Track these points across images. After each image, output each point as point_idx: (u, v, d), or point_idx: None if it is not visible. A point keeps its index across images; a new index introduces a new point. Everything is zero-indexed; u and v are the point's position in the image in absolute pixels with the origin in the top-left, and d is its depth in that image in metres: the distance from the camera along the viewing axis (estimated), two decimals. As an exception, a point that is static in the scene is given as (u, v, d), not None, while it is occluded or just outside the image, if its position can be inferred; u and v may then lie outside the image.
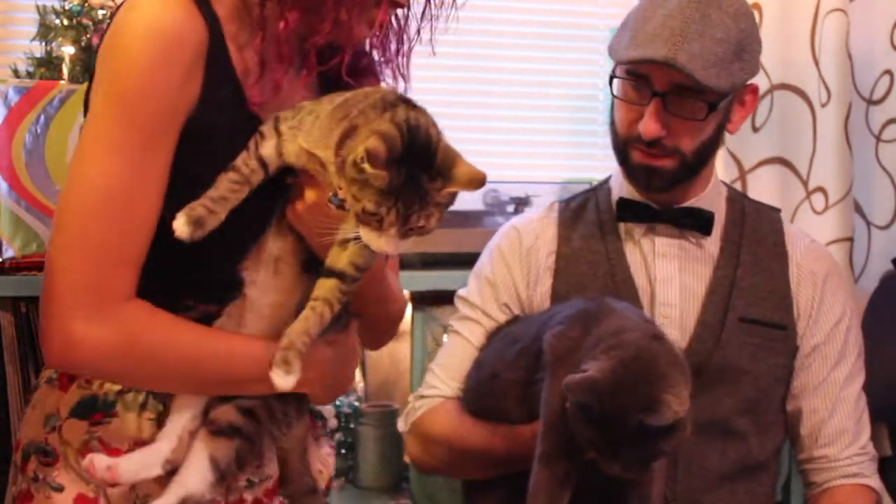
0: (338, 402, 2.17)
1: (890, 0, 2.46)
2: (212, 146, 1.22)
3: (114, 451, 1.26)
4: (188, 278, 1.24)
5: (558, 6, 2.71)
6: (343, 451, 2.17)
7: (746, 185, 2.45)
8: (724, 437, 1.67)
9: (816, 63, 2.40)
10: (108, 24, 1.24)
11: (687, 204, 1.71)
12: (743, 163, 2.47)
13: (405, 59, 1.37)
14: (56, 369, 1.30)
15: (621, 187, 1.74)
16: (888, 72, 2.47)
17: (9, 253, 1.88)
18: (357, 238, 1.15)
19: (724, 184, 1.82)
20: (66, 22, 2.04)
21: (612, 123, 1.70)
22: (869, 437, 1.74)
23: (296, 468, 1.36)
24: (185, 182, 1.21)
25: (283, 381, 1.18)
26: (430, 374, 1.77)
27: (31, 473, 1.29)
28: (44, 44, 2.07)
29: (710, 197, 1.73)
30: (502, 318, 1.75)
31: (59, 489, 1.27)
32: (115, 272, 1.19)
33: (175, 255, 1.19)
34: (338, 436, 2.17)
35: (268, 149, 1.21)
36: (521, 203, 2.27)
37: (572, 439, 1.32)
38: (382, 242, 1.14)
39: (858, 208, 2.50)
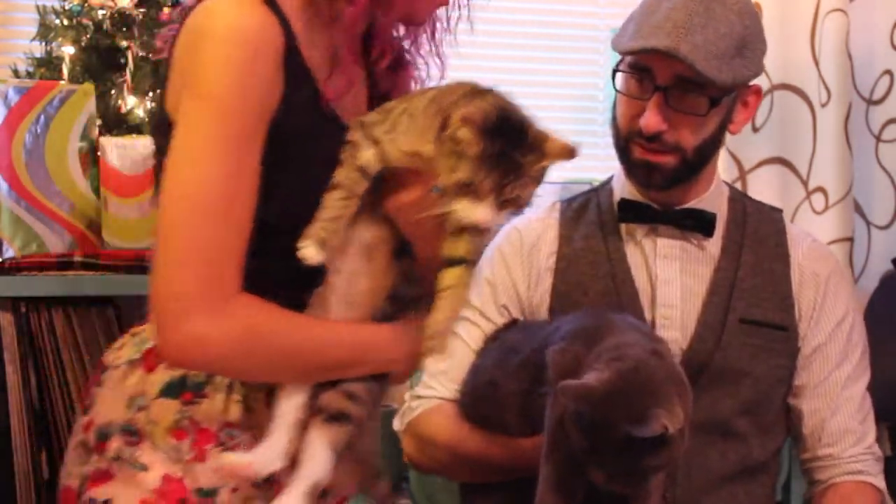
0: (338, 403, 2.17)
1: (890, 0, 2.46)
2: (288, 148, 1.25)
3: (203, 432, 1.29)
4: (274, 269, 1.26)
5: (558, 6, 2.71)
6: (343, 451, 2.17)
7: (746, 185, 2.45)
8: (724, 439, 1.67)
9: (816, 63, 2.40)
10: (177, 31, 1.26)
11: (689, 205, 1.71)
12: (743, 163, 2.47)
13: (439, 44, 1.41)
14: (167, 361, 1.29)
15: (623, 188, 1.74)
16: (888, 72, 2.47)
17: (9, 253, 1.88)
18: (453, 212, 1.19)
19: (727, 184, 1.82)
20: (66, 22, 2.04)
21: (614, 119, 1.70)
22: (875, 438, 1.74)
23: (368, 448, 1.40)
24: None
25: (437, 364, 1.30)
26: (427, 374, 1.77)
27: (111, 453, 1.30)
28: (44, 44, 2.07)
29: (712, 198, 1.73)
30: (500, 320, 1.74)
31: (144, 468, 1.28)
32: (226, 268, 1.22)
33: (261, 247, 1.22)
34: (338, 436, 2.17)
35: (367, 158, 1.25)
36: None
37: (577, 457, 1.32)
38: (479, 212, 1.17)
39: (858, 208, 2.50)
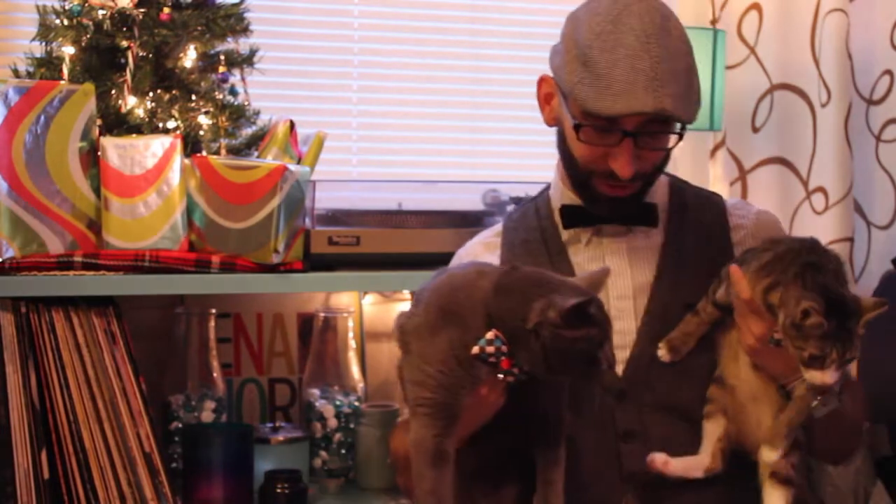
0: (338, 402, 2.17)
1: (890, 0, 2.47)
2: None
3: None
4: None
5: (558, 6, 2.71)
6: (343, 451, 2.17)
7: (746, 185, 2.46)
8: (693, 425, 1.64)
9: (816, 63, 2.41)
10: None
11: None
12: (743, 163, 2.47)
13: None
14: None
15: (562, 195, 1.74)
16: (888, 72, 2.48)
17: (9, 253, 1.88)
18: (803, 379, 1.47)
19: (665, 173, 1.78)
20: (66, 22, 2.04)
21: (568, 156, 1.67)
22: None
23: None
24: None
25: (770, 455, 1.54)
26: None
27: None
28: (44, 44, 2.07)
29: (652, 189, 1.72)
30: None
31: None
32: None
33: None
34: (338, 436, 2.17)
35: (719, 294, 1.58)
36: (520, 203, 2.26)
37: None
38: (826, 377, 1.44)
39: (858, 208, 2.50)
